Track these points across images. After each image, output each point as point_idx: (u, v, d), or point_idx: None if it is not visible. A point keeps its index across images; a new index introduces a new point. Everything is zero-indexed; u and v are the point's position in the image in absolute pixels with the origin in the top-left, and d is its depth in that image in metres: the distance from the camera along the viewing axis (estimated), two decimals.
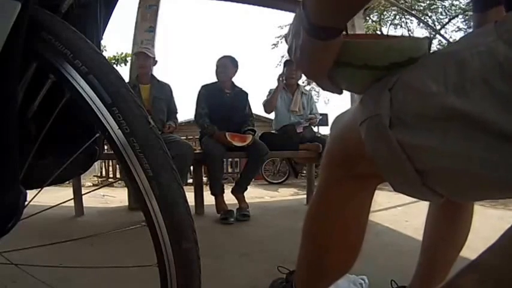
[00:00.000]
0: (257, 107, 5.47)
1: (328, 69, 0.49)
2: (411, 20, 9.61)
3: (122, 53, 7.45)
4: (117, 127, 0.44)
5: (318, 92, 11.54)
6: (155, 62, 2.62)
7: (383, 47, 0.48)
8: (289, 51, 0.52)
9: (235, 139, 2.38)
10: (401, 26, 9.85)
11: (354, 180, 0.57)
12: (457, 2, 9.29)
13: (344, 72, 0.50)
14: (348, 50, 0.47)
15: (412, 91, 0.43)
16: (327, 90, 0.55)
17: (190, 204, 0.49)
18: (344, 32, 0.47)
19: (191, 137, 5.57)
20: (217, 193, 2.36)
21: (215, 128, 2.41)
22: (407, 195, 0.50)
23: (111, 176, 5.55)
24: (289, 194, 4.00)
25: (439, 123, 0.40)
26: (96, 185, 4.97)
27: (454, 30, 9.61)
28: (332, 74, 0.51)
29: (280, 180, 5.43)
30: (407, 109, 0.43)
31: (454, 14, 9.45)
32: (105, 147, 0.82)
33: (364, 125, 0.48)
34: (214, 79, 2.67)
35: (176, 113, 2.67)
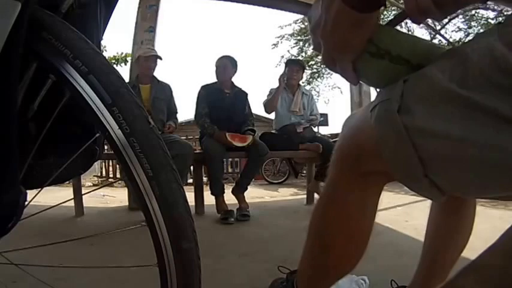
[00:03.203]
0: (257, 107, 5.47)
1: (362, 58, 0.48)
2: None
3: (122, 53, 7.45)
4: (117, 127, 0.44)
5: (318, 92, 11.57)
6: None
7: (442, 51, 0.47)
8: (313, 27, 0.51)
9: (235, 139, 2.38)
10: (401, 26, 9.83)
11: (362, 178, 0.57)
12: None
13: (394, 70, 0.48)
14: (414, 47, 0.47)
15: (421, 78, 0.45)
16: (343, 76, 0.53)
17: (190, 204, 0.49)
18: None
19: (191, 137, 5.57)
20: (218, 193, 2.36)
21: (215, 128, 2.41)
22: (408, 187, 0.50)
23: (111, 176, 5.55)
24: (289, 194, 4.01)
25: (442, 108, 0.41)
26: (96, 185, 4.97)
27: (454, 31, 9.61)
28: (376, 67, 0.49)
29: (280, 180, 5.43)
30: (414, 94, 0.45)
31: (454, 14, 9.44)
32: (105, 147, 0.82)
33: (375, 110, 0.49)
34: (214, 79, 2.67)
35: (176, 113, 2.67)
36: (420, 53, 0.47)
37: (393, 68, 0.48)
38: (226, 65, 2.61)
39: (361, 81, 0.54)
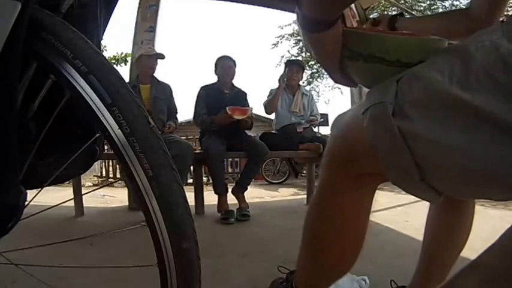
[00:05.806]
0: (257, 107, 5.44)
1: (343, 63, 0.50)
2: None
3: (122, 53, 7.44)
4: (117, 127, 0.44)
5: (318, 93, 11.57)
6: None
7: (418, 43, 0.48)
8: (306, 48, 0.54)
9: (235, 112, 2.38)
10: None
11: (355, 179, 0.57)
12: (457, 2, 9.28)
13: (373, 69, 0.49)
14: (382, 45, 0.47)
15: (417, 80, 0.43)
16: (342, 84, 0.57)
17: (190, 204, 0.49)
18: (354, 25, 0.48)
19: (191, 137, 5.57)
20: (222, 192, 2.35)
21: (212, 116, 2.43)
22: (405, 190, 0.50)
23: (111, 176, 5.55)
24: (289, 194, 4.00)
25: (441, 113, 0.40)
26: (96, 185, 4.97)
27: None
28: (355, 69, 0.51)
29: (280, 180, 5.43)
30: (411, 97, 0.43)
31: None
32: (105, 147, 0.82)
33: (367, 112, 0.48)
34: (214, 79, 2.67)
35: (176, 113, 2.67)
36: (393, 50, 0.47)
37: (372, 68, 0.48)
38: (231, 66, 2.62)
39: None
